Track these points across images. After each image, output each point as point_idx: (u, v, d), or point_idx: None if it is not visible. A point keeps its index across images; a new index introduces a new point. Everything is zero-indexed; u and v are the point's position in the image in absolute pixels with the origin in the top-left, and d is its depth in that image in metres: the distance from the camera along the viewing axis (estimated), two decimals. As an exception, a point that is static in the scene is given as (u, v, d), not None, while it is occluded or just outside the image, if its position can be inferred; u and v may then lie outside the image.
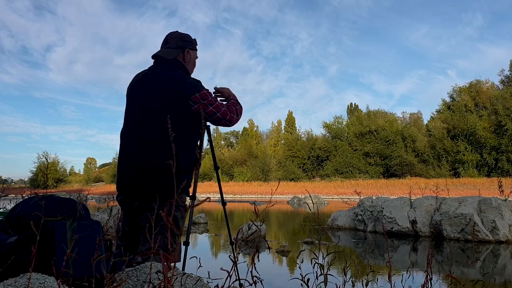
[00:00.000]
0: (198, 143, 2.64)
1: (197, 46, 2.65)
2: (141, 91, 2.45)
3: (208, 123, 2.65)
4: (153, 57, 2.53)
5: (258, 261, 1.49)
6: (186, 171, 2.42)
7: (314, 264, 2.07)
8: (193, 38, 2.64)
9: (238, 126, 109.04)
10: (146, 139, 2.38)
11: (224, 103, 2.54)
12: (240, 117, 2.59)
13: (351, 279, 2.27)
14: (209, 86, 2.72)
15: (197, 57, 2.65)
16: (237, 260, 1.47)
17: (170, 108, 2.34)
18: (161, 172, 2.36)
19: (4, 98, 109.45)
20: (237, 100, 2.67)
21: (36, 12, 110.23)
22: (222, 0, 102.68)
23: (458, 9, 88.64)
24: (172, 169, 2.41)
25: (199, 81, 2.47)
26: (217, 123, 2.47)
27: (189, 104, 2.35)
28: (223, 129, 77.90)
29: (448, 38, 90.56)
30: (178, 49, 2.50)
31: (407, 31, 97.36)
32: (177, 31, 2.61)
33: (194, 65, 2.62)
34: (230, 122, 2.48)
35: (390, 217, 8.13)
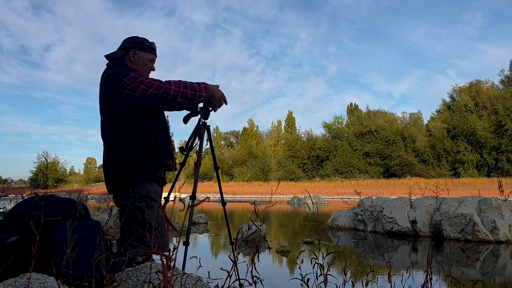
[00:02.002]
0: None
1: (152, 49, 2.69)
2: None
3: (206, 122, 2.66)
4: (105, 57, 2.67)
5: (258, 261, 1.49)
6: (140, 158, 2.49)
7: (314, 264, 2.07)
8: (149, 41, 2.70)
9: (238, 126, 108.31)
10: (103, 137, 2.58)
11: (160, 79, 2.48)
12: (188, 91, 2.44)
13: (351, 279, 2.27)
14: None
15: (150, 59, 2.68)
16: (237, 260, 1.47)
17: (109, 102, 2.51)
18: (114, 165, 2.51)
19: (4, 98, 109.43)
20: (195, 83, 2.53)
21: (35, 11, 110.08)
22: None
23: (458, 9, 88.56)
24: (122, 161, 2.42)
25: (129, 68, 2.53)
26: (157, 99, 2.43)
27: (119, 91, 2.43)
28: (223, 129, 77.99)
29: (448, 38, 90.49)
30: (124, 50, 2.63)
31: (407, 31, 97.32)
32: (134, 36, 2.71)
33: (144, 65, 2.65)
34: (168, 94, 2.40)
35: (390, 217, 8.12)
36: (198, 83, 2.53)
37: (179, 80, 2.48)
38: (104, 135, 2.55)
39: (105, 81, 2.50)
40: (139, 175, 2.46)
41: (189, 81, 2.53)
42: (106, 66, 2.64)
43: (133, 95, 2.40)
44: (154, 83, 2.41)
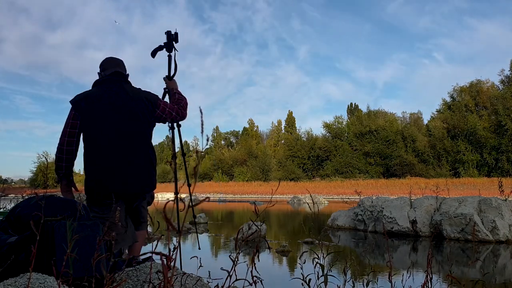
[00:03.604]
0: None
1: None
2: None
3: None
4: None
5: (258, 261, 1.49)
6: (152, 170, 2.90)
7: (316, 264, 2.06)
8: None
9: (238, 126, 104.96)
10: (126, 146, 2.85)
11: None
12: (180, 113, 2.90)
13: (351, 279, 2.27)
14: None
15: None
16: (237, 260, 1.47)
17: (140, 117, 2.80)
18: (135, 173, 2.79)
19: (4, 97, 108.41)
20: (181, 94, 3.02)
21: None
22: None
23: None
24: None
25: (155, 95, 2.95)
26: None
27: (155, 111, 2.86)
28: (223, 129, 77.87)
29: (448, 37, 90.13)
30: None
31: (407, 30, 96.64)
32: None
33: None
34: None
35: (390, 217, 8.12)
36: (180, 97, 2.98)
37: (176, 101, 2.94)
38: (128, 145, 2.67)
39: (139, 96, 2.72)
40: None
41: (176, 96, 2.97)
42: (116, 78, 2.77)
43: (176, 117, 2.88)
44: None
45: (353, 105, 63.52)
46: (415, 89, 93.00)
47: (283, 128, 68.81)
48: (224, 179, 58.68)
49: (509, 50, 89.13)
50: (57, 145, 2.69)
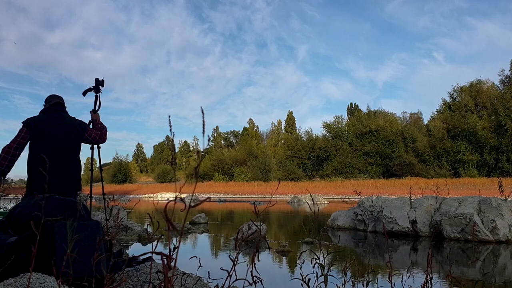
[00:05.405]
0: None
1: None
2: None
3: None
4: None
5: (258, 261, 1.49)
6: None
7: (315, 264, 2.06)
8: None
9: (238, 126, 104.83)
10: (63, 160, 3.61)
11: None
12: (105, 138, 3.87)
13: (351, 279, 2.27)
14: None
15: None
16: (237, 260, 1.47)
17: (74, 139, 3.64)
18: (72, 180, 3.58)
19: (4, 95, 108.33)
20: (102, 124, 3.91)
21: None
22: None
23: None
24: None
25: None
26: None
27: (83, 135, 3.67)
28: (223, 129, 77.83)
29: (448, 37, 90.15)
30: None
31: (408, 32, 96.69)
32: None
33: None
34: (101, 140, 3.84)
35: (390, 217, 8.12)
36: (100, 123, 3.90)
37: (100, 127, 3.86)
38: (64, 159, 3.43)
39: (73, 123, 3.54)
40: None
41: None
42: (56, 107, 3.54)
43: (98, 140, 3.79)
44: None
45: (353, 105, 63.61)
46: (415, 89, 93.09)
47: (283, 128, 68.88)
48: (224, 179, 58.70)
49: (509, 50, 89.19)
50: (4, 146, 3.34)
